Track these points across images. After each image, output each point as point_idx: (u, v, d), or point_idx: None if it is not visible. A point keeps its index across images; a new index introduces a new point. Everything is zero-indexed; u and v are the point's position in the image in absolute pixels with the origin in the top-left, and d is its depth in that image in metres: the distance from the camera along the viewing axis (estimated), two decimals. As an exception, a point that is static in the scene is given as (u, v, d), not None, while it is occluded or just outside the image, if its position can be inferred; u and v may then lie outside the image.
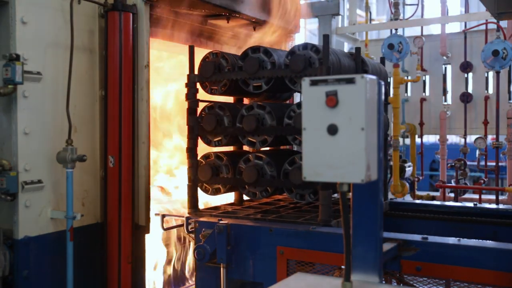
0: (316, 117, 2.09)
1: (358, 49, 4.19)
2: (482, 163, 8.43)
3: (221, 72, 3.89)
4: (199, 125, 3.91)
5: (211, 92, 4.01)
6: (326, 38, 3.53)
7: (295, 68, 3.60)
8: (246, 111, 3.81)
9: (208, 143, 4.02)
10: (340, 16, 8.82)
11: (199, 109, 3.98)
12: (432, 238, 2.94)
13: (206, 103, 4.00)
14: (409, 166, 7.86)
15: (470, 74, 8.52)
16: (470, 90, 8.54)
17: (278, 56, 3.84)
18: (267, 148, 4.26)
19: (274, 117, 3.75)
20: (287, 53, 3.79)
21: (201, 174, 3.93)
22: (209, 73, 3.86)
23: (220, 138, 3.96)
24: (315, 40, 17.04)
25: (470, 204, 4.33)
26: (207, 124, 3.87)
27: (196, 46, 4.82)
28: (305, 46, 3.72)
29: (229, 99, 4.41)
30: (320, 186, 3.51)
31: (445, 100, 8.82)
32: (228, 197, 4.68)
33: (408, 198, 7.45)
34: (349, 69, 3.97)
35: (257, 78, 3.78)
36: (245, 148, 4.33)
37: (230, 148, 4.34)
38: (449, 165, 8.47)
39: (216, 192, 4.05)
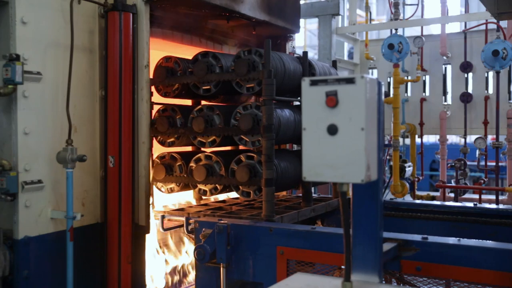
0: (316, 117, 2.09)
1: (305, 53, 4.43)
2: (482, 163, 8.43)
3: (173, 76, 4.15)
4: (153, 126, 4.10)
5: (165, 95, 4.29)
6: (267, 43, 3.77)
7: (239, 71, 3.85)
8: (196, 112, 4.04)
9: (162, 143, 4.27)
10: (340, 16, 8.81)
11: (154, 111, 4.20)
12: (432, 238, 2.94)
13: (160, 106, 4.26)
14: (409, 166, 7.86)
15: (470, 74, 8.52)
16: (470, 90, 8.54)
17: (226, 60, 4.10)
18: (226, 148, 4.57)
19: (222, 118, 3.97)
20: (233, 58, 4.05)
21: (156, 174, 4.17)
22: (162, 77, 4.10)
23: (173, 139, 4.20)
24: (315, 40, 17.04)
25: (470, 204, 4.33)
26: (160, 125, 4.08)
27: (196, 46, 4.84)
28: (250, 51, 3.97)
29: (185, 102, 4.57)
30: (264, 183, 3.72)
31: (445, 100, 8.82)
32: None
33: (408, 198, 7.45)
34: (295, 72, 4.24)
35: (206, 81, 4.02)
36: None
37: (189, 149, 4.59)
38: (449, 165, 8.47)
39: (171, 190, 4.28)
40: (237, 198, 4.84)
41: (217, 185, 4.10)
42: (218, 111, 4.00)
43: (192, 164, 4.12)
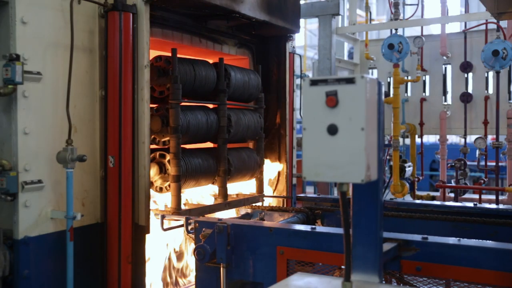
0: (316, 117, 2.09)
1: (221, 59, 4.68)
2: (482, 163, 8.43)
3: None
4: None
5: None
6: (174, 52, 4.12)
7: (151, 77, 4.04)
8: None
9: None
10: (340, 16, 8.81)
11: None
12: (432, 238, 2.94)
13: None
14: (409, 166, 7.86)
15: (470, 74, 8.52)
16: (470, 90, 8.53)
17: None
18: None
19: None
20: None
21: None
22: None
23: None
24: (315, 40, 17.04)
25: (470, 204, 4.33)
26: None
27: (196, 47, 4.84)
28: (160, 57, 4.27)
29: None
30: (171, 179, 4.08)
31: (445, 100, 8.81)
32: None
33: (408, 198, 7.45)
34: (207, 78, 4.53)
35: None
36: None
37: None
38: (449, 165, 8.47)
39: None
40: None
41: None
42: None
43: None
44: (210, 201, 4.75)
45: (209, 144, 4.86)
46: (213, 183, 4.67)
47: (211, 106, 4.76)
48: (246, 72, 5.07)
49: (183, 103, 4.22)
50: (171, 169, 4.09)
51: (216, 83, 4.64)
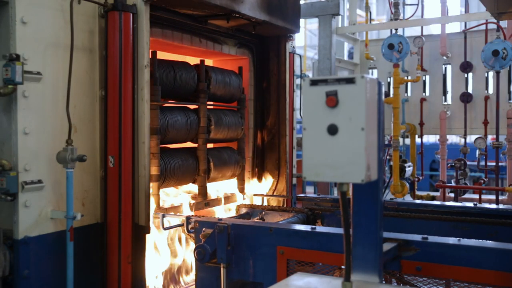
0: (316, 117, 2.09)
1: (202, 61, 4.79)
2: (482, 163, 8.42)
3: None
4: None
5: None
6: (154, 54, 4.21)
7: None
8: None
9: None
10: (340, 16, 8.81)
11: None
12: (432, 238, 2.94)
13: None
14: (409, 166, 7.85)
15: (470, 74, 8.52)
16: (470, 90, 8.53)
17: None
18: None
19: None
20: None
21: None
22: None
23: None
24: (315, 40, 17.03)
25: (470, 204, 4.33)
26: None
27: (196, 47, 4.84)
28: None
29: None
30: (152, 178, 4.11)
31: (445, 100, 8.81)
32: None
33: (408, 198, 7.45)
34: (188, 80, 4.61)
35: None
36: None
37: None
38: (449, 165, 8.46)
39: None
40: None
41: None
42: None
43: None
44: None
45: (191, 144, 4.92)
46: (193, 182, 4.78)
47: (194, 106, 4.85)
48: (227, 74, 5.15)
49: (164, 104, 4.33)
50: (151, 169, 4.11)
51: (196, 84, 4.74)
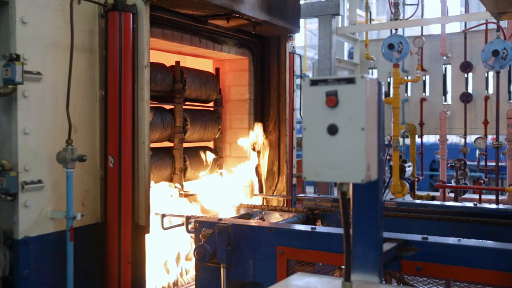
0: (316, 117, 2.09)
1: (177, 62, 4.86)
2: (482, 163, 8.42)
3: None
4: None
5: None
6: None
7: None
8: None
9: None
10: (340, 16, 8.80)
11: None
12: (432, 238, 2.93)
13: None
14: (409, 166, 7.85)
15: (470, 74, 8.52)
16: (470, 90, 8.53)
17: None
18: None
19: None
20: None
21: None
22: None
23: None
24: (315, 40, 17.02)
25: (470, 204, 4.32)
26: None
27: (196, 46, 4.85)
28: None
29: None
30: None
31: (445, 100, 8.81)
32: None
33: (408, 198, 7.44)
34: (163, 80, 4.68)
35: None
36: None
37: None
38: (449, 165, 8.46)
39: None
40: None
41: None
42: None
43: None
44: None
45: (169, 144, 4.99)
46: (170, 181, 4.85)
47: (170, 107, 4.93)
48: (203, 75, 5.22)
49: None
50: None
51: (172, 85, 4.82)
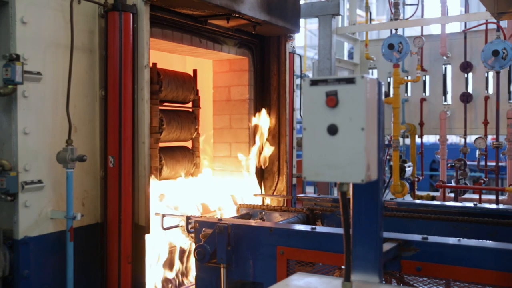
0: (316, 117, 2.09)
1: (154, 64, 4.67)
2: (482, 163, 8.42)
3: None
4: None
5: None
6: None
7: None
8: None
9: None
10: (340, 16, 8.80)
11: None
12: (432, 238, 2.93)
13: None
14: (409, 166, 7.85)
15: (470, 74, 8.52)
16: (470, 90, 8.53)
17: None
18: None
19: None
20: None
21: None
22: None
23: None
24: (315, 40, 17.02)
25: (470, 204, 4.32)
26: None
27: (196, 46, 4.84)
28: None
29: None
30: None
31: (445, 100, 8.81)
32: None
33: (408, 198, 7.45)
34: None
35: None
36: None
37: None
38: (449, 165, 8.46)
39: None
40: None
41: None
42: None
43: None
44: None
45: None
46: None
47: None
48: (180, 76, 5.19)
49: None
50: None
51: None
